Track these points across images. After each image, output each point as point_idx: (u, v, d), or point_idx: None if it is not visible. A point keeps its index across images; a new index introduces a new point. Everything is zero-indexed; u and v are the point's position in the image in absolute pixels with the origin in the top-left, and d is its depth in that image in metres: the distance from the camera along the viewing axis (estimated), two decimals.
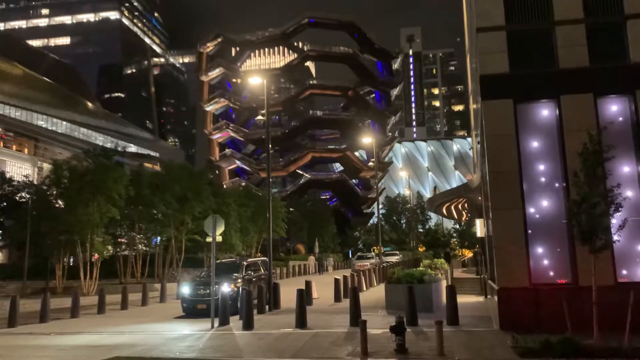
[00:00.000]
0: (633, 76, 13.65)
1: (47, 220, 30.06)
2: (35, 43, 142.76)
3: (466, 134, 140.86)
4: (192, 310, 18.51)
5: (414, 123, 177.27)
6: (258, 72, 73.22)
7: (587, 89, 13.67)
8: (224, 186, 62.51)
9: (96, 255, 31.54)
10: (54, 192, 32.15)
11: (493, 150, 13.96)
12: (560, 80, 13.93)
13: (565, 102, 13.73)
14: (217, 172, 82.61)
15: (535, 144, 14.04)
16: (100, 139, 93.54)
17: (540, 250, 13.49)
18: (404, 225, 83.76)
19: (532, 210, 13.68)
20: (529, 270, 13.18)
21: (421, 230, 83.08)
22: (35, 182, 37.47)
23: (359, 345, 10.98)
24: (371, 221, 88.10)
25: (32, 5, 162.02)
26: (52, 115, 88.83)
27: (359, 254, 55.88)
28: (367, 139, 59.06)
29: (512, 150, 13.75)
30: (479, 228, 26.99)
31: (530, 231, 13.50)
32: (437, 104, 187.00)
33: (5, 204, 38.90)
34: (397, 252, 56.91)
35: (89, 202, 29.41)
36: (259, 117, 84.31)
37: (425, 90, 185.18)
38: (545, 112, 14.21)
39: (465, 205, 36.84)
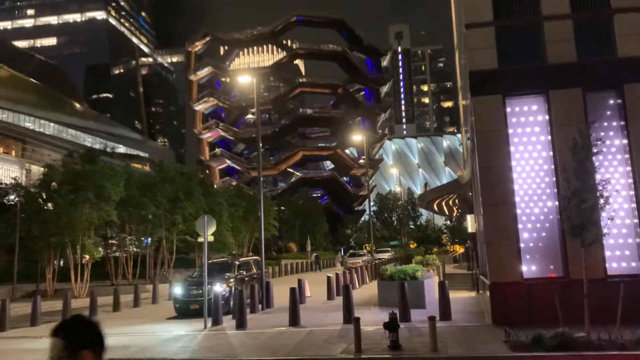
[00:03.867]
0: (620, 70, 13.76)
1: (37, 223, 29.81)
2: (21, 44, 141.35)
3: (456, 130, 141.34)
4: (185, 311, 18.43)
5: (404, 120, 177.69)
6: (247, 70, 72.96)
7: (576, 83, 13.75)
8: (215, 186, 62.26)
9: (87, 257, 31.32)
10: (44, 195, 31.88)
11: (483, 146, 14.01)
12: (549, 75, 14.01)
13: (554, 96, 13.81)
14: (207, 171, 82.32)
15: (525, 139, 14.11)
16: (89, 140, 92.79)
17: (531, 244, 13.57)
18: (395, 222, 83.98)
19: (523, 205, 13.76)
20: (520, 265, 13.26)
21: (412, 227, 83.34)
22: (23, 185, 37.12)
23: (353, 343, 10.98)
24: (362, 219, 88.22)
25: (18, 5, 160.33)
26: (40, 117, 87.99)
27: (351, 251, 55.98)
28: (358, 137, 59.13)
29: (502, 146, 13.81)
30: (470, 224, 27.16)
31: (521, 226, 13.58)
32: (426, 100, 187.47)
33: None
34: (389, 248, 57.05)
35: (81, 204, 29.20)
36: (249, 116, 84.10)
37: (414, 87, 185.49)
38: (534, 107, 14.28)
39: (456, 201, 36.99)
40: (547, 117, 13.96)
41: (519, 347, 10.02)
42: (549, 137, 13.84)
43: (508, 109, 14.17)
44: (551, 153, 13.71)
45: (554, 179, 13.48)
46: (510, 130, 14.06)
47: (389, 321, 10.87)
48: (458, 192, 31.29)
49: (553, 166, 13.58)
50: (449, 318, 14.02)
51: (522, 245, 13.48)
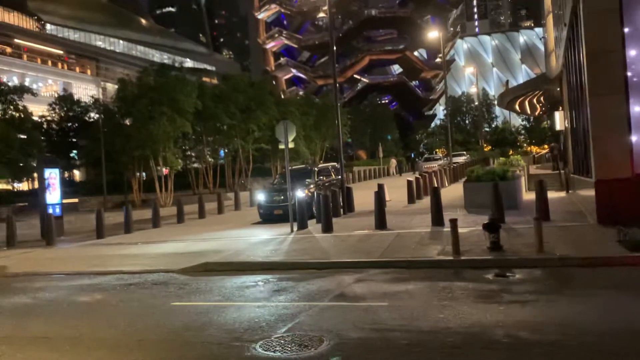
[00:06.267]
0: None
1: (119, 137, 30.87)
2: None
3: (533, 25, 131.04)
4: (269, 216, 18.69)
5: (476, 16, 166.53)
6: None
7: None
8: (283, 96, 61.90)
9: (166, 170, 32.42)
10: (122, 111, 32.71)
11: (592, 28, 12.40)
12: None
13: None
14: (274, 82, 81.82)
15: None
16: (157, 56, 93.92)
17: None
18: (468, 125, 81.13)
19: (636, 93, 12.26)
20: (631, 160, 12.05)
21: (487, 129, 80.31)
22: (101, 102, 38.33)
23: (448, 245, 10.55)
24: (433, 124, 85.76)
25: None
26: (109, 35, 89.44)
27: (426, 155, 54.93)
28: (430, 34, 55.54)
29: (615, 27, 12.14)
30: (558, 121, 25.42)
31: (633, 117, 12.20)
32: None
33: (76, 124, 40.31)
34: (464, 152, 55.46)
35: (158, 117, 29.72)
36: (321, 14, 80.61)
37: None
38: None
39: (541, 98, 34.54)
40: None
41: (638, 247, 9.17)
42: None
43: None
44: None
45: None
46: (626, 8, 12.26)
47: (488, 222, 10.32)
48: (544, 88, 29.06)
49: None
50: (547, 218, 13.18)
51: (633, 138, 12.17)
